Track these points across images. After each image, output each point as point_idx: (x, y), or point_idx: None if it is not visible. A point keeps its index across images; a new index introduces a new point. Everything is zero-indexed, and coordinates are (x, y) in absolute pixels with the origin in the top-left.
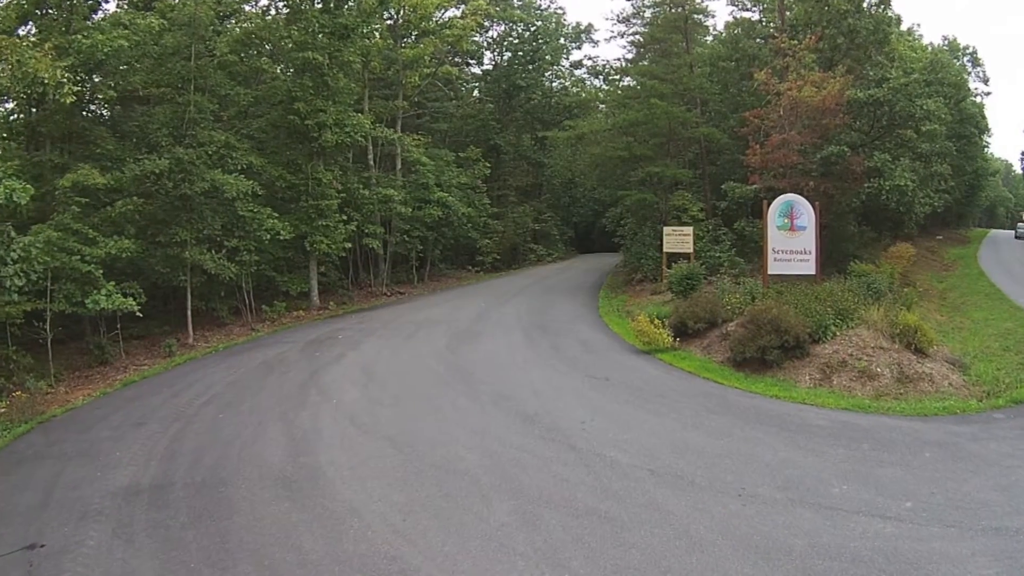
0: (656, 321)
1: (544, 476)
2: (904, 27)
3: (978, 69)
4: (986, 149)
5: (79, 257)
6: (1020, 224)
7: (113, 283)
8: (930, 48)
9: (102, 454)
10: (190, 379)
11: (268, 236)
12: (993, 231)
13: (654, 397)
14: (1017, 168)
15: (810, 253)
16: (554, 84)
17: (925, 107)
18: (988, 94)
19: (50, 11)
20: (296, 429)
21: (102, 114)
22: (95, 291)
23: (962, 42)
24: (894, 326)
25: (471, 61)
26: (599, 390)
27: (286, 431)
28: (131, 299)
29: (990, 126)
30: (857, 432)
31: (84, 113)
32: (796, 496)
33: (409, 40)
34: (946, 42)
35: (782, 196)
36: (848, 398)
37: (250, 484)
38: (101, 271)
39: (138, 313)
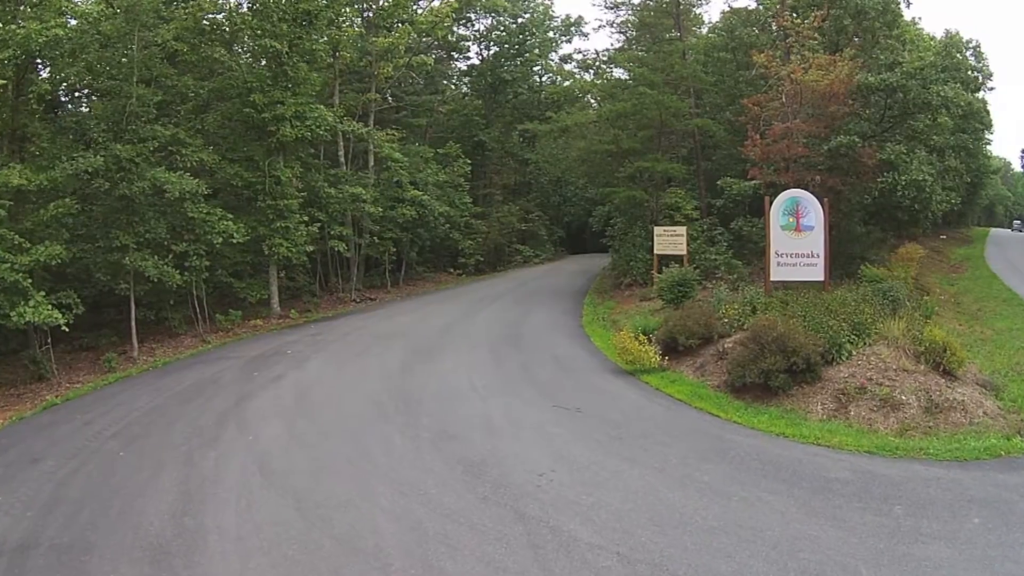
0: (641, 337)
1: (475, 563)
2: (907, 18)
3: (982, 63)
4: (987, 147)
5: (8, 265)
6: (1016, 221)
7: (43, 293)
8: (932, 41)
9: None
10: (113, 403)
11: (220, 239)
12: (993, 230)
13: (633, 437)
14: (1016, 166)
15: (818, 256)
16: (543, 79)
17: (942, 94)
18: (992, 89)
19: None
20: (195, 476)
21: (51, 111)
22: (23, 302)
23: (964, 36)
24: (918, 343)
25: (455, 55)
26: (567, 426)
27: (182, 479)
28: (58, 312)
29: (992, 123)
30: (886, 488)
31: (56, 111)
32: None
33: (389, 34)
34: (948, 35)
35: (786, 192)
36: (869, 435)
37: (117, 553)
38: (30, 280)
39: (64, 328)
